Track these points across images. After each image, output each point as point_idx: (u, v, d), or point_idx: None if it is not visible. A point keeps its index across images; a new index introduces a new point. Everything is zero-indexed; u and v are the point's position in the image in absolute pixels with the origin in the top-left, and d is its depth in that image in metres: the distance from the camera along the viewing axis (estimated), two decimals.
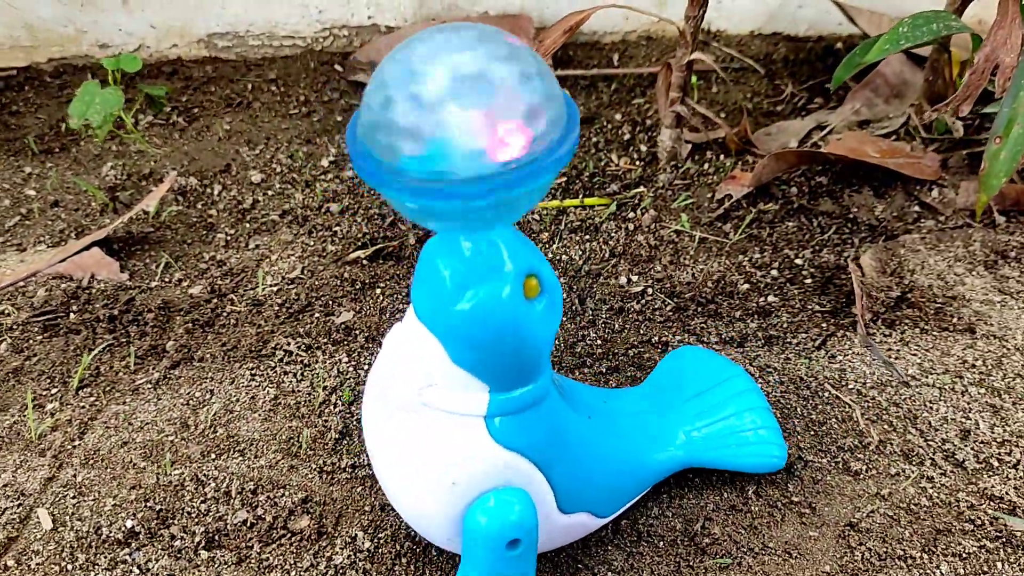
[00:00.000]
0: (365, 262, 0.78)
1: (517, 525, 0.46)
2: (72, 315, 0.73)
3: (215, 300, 0.75)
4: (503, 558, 0.47)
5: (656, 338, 0.70)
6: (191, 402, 0.66)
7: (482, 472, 0.46)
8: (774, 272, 0.77)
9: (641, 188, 0.87)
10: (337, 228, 0.82)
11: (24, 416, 0.65)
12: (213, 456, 0.61)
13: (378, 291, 0.75)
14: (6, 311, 0.74)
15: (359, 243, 0.80)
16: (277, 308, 0.74)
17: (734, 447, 0.57)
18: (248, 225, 0.84)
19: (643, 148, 0.93)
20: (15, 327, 0.72)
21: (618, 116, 0.99)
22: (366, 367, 0.68)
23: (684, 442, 0.57)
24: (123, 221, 0.82)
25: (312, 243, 0.81)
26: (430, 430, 0.46)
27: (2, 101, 1.03)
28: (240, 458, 0.61)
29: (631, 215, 0.83)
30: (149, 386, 0.67)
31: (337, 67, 1.09)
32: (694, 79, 0.98)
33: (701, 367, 0.62)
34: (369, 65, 1.07)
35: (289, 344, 0.70)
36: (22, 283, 0.77)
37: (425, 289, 0.43)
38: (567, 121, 0.37)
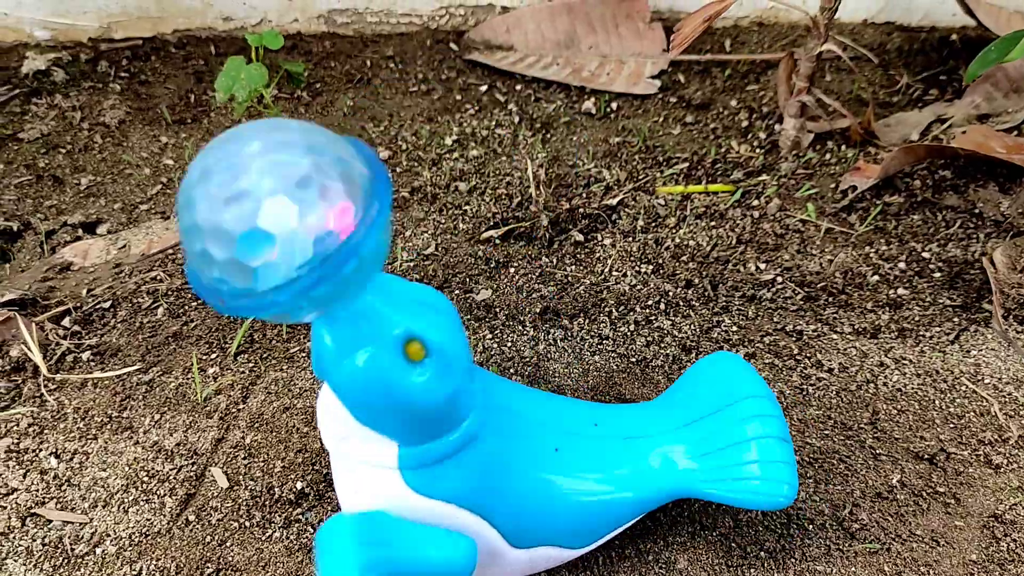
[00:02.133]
0: (497, 241, 0.81)
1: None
2: None
3: None
4: None
5: (790, 327, 0.72)
6: None
7: (407, 519, 0.46)
8: (902, 265, 0.78)
9: (764, 176, 0.88)
10: (466, 207, 0.85)
11: (188, 378, 0.68)
12: None
13: (512, 270, 0.78)
14: (159, 277, 0.77)
15: (490, 222, 0.83)
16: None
17: (734, 480, 0.51)
18: None
19: (762, 136, 0.94)
20: (169, 293, 0.76)
21: (733, 102, 1.00)
22: (508, 344, 0.70)
23: (678, 472, 0.52)
24: None
25: (443, 220, 0.83)
26: (353, 477, 0.47)
27: (131, 71, 1.07)
28: None
29: (755, 203, 0.85)
30: (303, 355, 0.70)
31: (452, 45, 1.11)
32: None
33: (724, 382, 0.55)
34: (483, 44, 1.09)
35: None
36: (171, 250, 0.80)
37: (316, 351, 0.44)
38: (372, 166, 0.36)
